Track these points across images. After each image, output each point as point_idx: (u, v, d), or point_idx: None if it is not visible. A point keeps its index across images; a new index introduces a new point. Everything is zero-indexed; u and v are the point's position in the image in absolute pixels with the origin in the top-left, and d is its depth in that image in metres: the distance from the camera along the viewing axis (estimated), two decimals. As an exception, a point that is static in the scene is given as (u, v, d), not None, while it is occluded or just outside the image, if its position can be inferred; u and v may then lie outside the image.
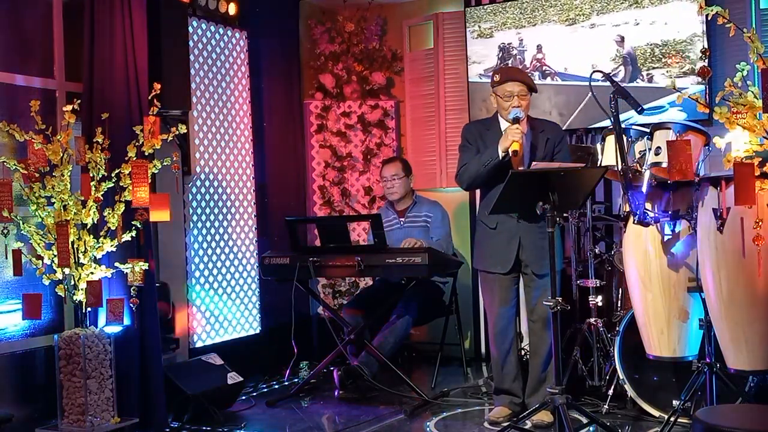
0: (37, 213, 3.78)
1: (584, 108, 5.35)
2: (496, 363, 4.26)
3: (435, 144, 6.09)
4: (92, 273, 3.84)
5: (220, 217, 5.23)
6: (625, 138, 3.77)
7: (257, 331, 5.48)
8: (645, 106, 3.85)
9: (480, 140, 4.17)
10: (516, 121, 3.99)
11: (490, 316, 4.27)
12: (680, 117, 4.92)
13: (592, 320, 4.43)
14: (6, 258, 3.72)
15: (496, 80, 4.16)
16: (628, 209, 3.68)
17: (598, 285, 4.49)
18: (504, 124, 4.15)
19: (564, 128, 5.08)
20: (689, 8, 5.11)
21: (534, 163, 4.07)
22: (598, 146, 4.31)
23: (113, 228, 3.87)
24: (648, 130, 3.87)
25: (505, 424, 3.97)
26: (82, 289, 3.81)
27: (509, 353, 4.22)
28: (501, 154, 3.98)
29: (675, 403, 3.62)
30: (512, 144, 3.91)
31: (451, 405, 4.60)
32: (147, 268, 3.93)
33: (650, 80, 5.24)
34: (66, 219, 3.75)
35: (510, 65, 5.55)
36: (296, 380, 5.19)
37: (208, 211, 5.13)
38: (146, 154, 3.91)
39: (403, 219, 5.37)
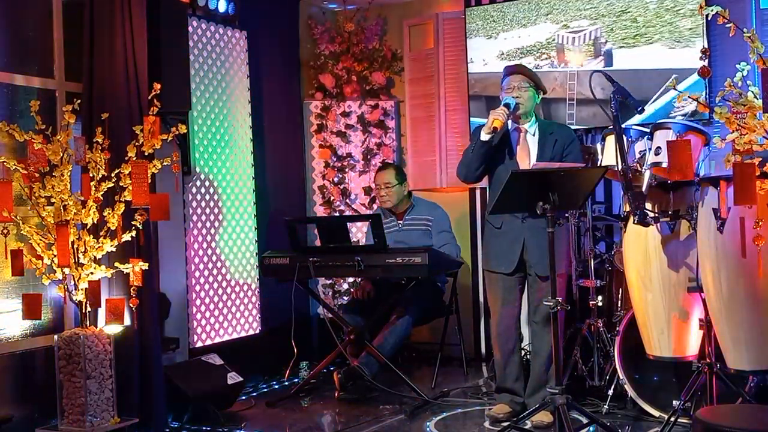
0: (36, 213, 3.78)
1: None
2: (498, 363, 4.27)
3: (435, 144, 6.09)
4: (92, 273, 3.84)
5: (220, 217, 5.23)
6: (625, 138, 3.77)
7: (257, 331, 5.48)
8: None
9: None
10: (506, 106, 4.03)
11: (494, 315, 4.27)
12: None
13: (592, 320, 4.43)
14: (6, 258, 3.71)
15: (503, 78, 4.21)
16: (628, 209, 3.68)
17: (598, 285, 4.49)
18: (510, 125, 4.17)
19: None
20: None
21: (534, 163, 4.08)
22: (598, 146, 4.31)
23: (113, 228, 3.87)
24: (648, 130, 3.87)
25: (505, 424, 3.97)
26: (82, 289, 3.81)
27: (512, 353, 4.23)
28: (485, 135, 4.02)
29: (675, 403, 3.62)
30: (494, 122, 3.97)
31: (451, 405, 4.60)
32: (147, 268, 3.93)
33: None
34: (66, 219, 3.74)
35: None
36: (296, 380, 5.19)
37: (208, 211, 5.13)
38: (146, 154, 3.91)
39: (401, 222, 5.35)
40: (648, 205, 3.68)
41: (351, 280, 5.93)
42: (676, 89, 3.31)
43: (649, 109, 4.70)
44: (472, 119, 5.71)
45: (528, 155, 4.16)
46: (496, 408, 4.24)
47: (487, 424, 4.20)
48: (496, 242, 4.21)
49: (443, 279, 5.37)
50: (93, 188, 3.84)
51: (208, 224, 5.12)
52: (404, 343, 5.28)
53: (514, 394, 4.23)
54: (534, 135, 4.20)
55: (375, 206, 6.03)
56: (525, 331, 4.57)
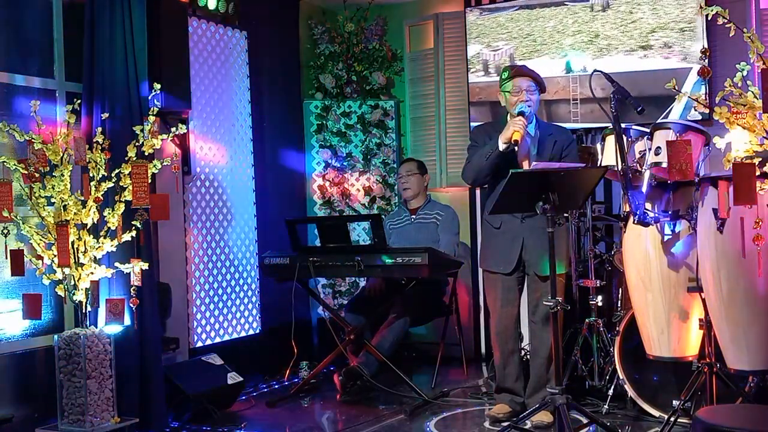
0: (36, 213, 3.78)
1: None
2: (498, 363, 4.27)
3: (435, 144, 6.09)
4: (92, 273, 3.84)
5: (220, 217, 5.23)
6: (625, 138, 3.77)
7: (257, 331, 5.48)
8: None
9: (489, 140, 4.16)
10: (521, 115, 4.01)
11: (493, 315, 4.27)
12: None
13: (592, 320, 4.43)
14: (6, 258, 3.71)
15: (504, 77, 4.17)
16: (628, 209, 3.68)
17: (598, 285, 4.49)
18: None
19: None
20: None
21: (534, 163, 4.07)
22: (598, 146, 4.31)
23: (113, 228, 3.87)
24: (648, 130, 3.87)
25: (505, 424, 3.97)
26: (82, 289, 3.81)
27: (512, 353, 4.22)
28: (502, 145, 4.00)
29: (675, 403, 3.62)
30: (513, 134, 3.93)
31: (451, 405, 4.60)
32: (147, 268, 3.93)
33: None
34: (66, 219, 3.74)
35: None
36: (296, 380, 5.19)
37: (208, 211, 5.13)
38: (146, 154, 3.91)
39: (414, 216, 5.42)
40: (648, 205, 3.68)
41: (351, 280, 5.94)
42: (675, 88, 3.30)
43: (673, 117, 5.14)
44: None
45: (527, 155, 4.16)
46: (496, 408, 4.24)
47: (487, 424, 4.20)
48: (495, 242, 4.20)
49: (444, 279, 5.38)
50: (93, 188, 3.84)
51: (208, 224, 5.12)
52: (402, 342, 5.29)
53: (514, 394, 4.23)
54: (534, 136, 4.20)
55: (375, 206, 6.05)
56: (524, 330, 4.57)
